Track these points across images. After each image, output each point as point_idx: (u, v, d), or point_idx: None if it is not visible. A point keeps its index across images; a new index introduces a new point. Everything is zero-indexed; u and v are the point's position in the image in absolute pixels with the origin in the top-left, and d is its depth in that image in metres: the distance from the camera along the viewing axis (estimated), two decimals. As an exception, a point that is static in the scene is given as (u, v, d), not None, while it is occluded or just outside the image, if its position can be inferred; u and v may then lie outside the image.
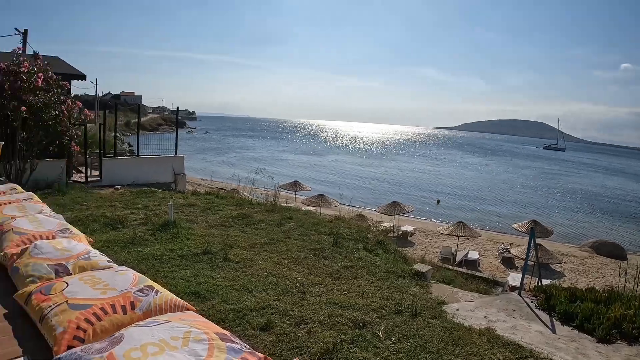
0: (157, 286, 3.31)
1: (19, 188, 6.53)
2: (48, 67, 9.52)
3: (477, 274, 14.78)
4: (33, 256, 3.58)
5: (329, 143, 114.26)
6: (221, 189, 20.73)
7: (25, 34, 17.44)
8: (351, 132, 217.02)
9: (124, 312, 2.89)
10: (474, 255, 18.77)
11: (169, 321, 2.76)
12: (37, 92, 9.04)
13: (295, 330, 4.25)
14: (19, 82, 8.71)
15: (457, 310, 5.73)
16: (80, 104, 10.46)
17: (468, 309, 5.88)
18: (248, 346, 2.61)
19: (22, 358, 2.46)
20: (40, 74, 9.01)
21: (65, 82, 10.02)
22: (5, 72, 8.72)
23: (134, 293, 3.11)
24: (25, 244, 3.90)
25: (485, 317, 5.67)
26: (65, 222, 4.99)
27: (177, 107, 22.07)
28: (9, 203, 5.37)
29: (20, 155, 9.17)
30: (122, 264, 5.57)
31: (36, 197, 6.02)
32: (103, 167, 13.60)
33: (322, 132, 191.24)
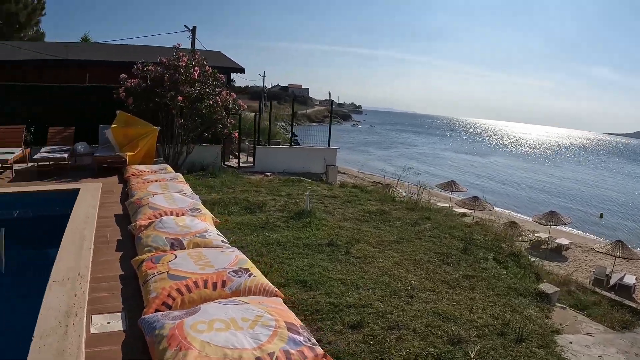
0: (253, 270, 3.60)
1: (169, 168, 7.70)
2: (205, 62, 10.94)
3: (626, 302, 12.47)
4: (156, 229, 4.22)
5: (492, 143, 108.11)
6: (378, 182, 21.13)
7: (193, 30, 20.31)
8: (517, 132, 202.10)
9: (214, 289, 3.23)
10: (630, 280, 16.04)
11: (247, 303, 3.00)
12: (195, 83, 10.47)
13: (386, 334, 4.21)
14: (177, 75, 10.22)
15: (571, 343, 5.15)
16: (235, 95, 11.76)
17: (584, 344, 5.30)
18: (313, 341, 2.69)
19: (121, 313, 2.94)
20: (196, 68, 10.42)
21: (221, 75, 11.35)
22: (166, 66, 10.35)
23: (228, 273, 3.44)
24: (156, 218, 4.59)
25: (600, 357, 5.08)
26: (199, 202, 5.72)
27: (332, 100, 23.10)
28: (155, 181, 6.38)
29: (178, 139, 10.77)
30: (246, 246, 6.15)
31: (181, 178, 7.02)
32: (256, 154, 15.09)
33: (486, 131, 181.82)
